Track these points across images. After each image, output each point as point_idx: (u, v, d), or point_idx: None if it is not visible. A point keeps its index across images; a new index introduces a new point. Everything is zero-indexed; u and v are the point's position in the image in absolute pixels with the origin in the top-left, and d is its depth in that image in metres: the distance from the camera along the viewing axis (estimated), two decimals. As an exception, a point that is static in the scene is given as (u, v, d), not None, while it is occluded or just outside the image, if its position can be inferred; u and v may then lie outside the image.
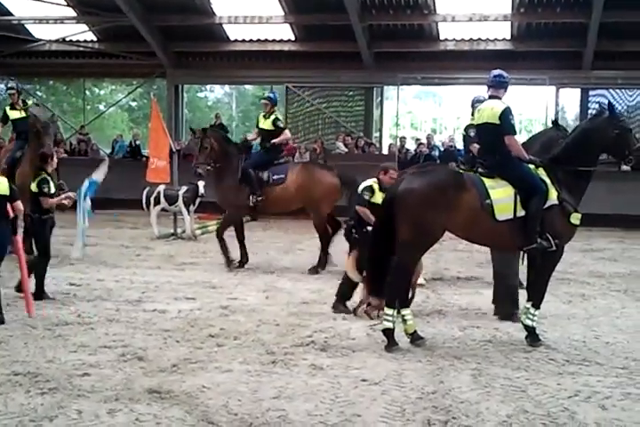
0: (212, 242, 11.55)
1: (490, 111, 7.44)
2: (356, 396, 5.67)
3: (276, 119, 11.72)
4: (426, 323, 7.96)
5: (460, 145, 18.28)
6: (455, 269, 11.55)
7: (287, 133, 11.96)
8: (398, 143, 21.41)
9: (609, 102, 7.68)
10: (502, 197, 7.16)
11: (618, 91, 20.97)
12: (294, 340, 7.25)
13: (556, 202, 7.25)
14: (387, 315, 7.06)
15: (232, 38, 22.10)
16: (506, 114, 7.33)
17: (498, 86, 7.58)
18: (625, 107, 21.12)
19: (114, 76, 26.71)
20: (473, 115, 10.34)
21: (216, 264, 11.67)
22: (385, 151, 21.71)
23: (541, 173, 7.37)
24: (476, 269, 11.72)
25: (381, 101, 23.14)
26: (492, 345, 7.22)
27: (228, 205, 11.63)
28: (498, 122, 7.34)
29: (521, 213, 7.18)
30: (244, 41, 22.11)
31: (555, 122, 9.78)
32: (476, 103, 10.34)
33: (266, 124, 11.71)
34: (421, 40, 20.91)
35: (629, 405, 5.56)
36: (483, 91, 10.75)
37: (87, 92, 28.27)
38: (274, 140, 11.58)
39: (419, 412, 5.34)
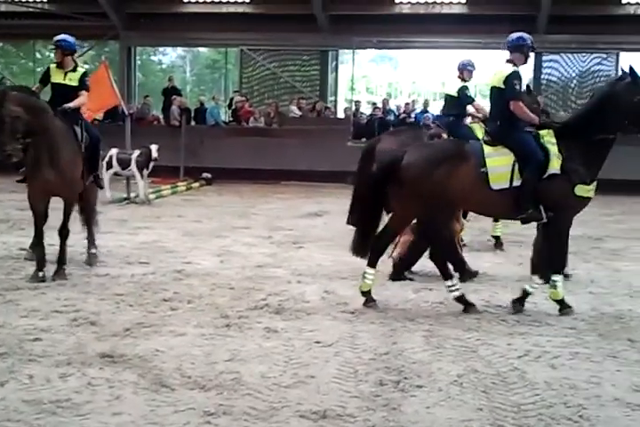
0: (165, 206, 11.45)
1: (500, 74, 7.27)
2: (309, 358, 5.69)
3: (86, 74, 8.75)
4: (380, 285, 7.98)
5: (432, 109, 18.70)
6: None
7: (86, 96, 8.69)
8: (353, 107, 21.40)
9: (630, 67, 7.03)
10: (498, 165, 6.95)
11: (570, 56, 21.17)
12: (248, 303, 7.24)
13: (558, 171, 6.89)
14: (367, 274, 7.26)
15: (186, 0, 21.77)
16: (511, 78, 7.13)
17: (513, 50, 7.43)
18: (577, 72, 21.33)
19: (64, 38, 26.17)
20: (463, 78, 10.42)
21: (170, 229, 11.60)
22: (340, 115, 21.66)
23: (549, 140, 7.01)
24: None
25: (337, 65, 23.08)
26: (444, 307, 7.28)
27: (73, 191, 8.41)
28: (503, 86, 7.18)
29: (517, 182, 6.92)
30: (197, 2, 21.88)
31: (527, 87, 9.65)
32: (468, 66, 10.43)
33: (71, 80, 8.58)
34: (377, 3, 20.83)
35: (578, 364, 5.64)
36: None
37: (37, 55, 27.64)
38: (70, 105, 8.36)
39: (371, 373, 5.38)
